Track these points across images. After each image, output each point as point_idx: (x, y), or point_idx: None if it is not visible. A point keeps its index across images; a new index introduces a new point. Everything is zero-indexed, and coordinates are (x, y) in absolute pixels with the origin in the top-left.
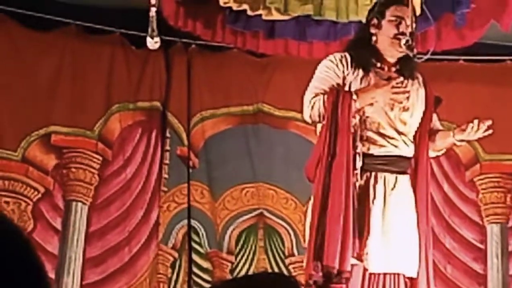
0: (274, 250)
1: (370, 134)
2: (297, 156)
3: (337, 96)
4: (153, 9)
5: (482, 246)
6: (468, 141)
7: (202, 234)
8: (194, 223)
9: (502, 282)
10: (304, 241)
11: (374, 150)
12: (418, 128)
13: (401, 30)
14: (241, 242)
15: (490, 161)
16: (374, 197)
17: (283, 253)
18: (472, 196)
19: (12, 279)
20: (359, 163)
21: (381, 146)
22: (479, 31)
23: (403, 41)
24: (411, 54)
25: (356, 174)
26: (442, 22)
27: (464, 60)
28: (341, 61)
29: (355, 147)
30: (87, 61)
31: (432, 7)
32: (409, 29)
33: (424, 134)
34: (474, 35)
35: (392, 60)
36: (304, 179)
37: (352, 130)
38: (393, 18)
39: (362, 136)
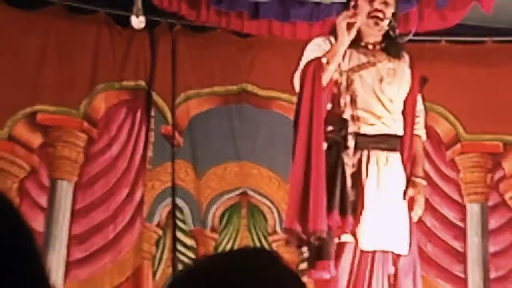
0: (257, 228)
1: (360, 113)
2: (281, 136)
3: (309, 63)
4: None
5: (462, 225)
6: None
7: (186, 212)
8: (178, 201)
9: (482, 260)
10: None
11: (365, 129)
12: (403, 106)
13: (374, 6)
14: (225, 220)
15: (471, 141)
16: (367, 175)
17: (266, 231)
18: (453, 176)
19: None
20: (351, 142)
21: (372, 124)
22: (461, 13)
23: (385, 23)
24: (393, 35)
25: (348, 153)
26: (424, 3)
27: (446, 41)
28: (325, 42)
29: (347, 127)
30: (72, 40)
31: None
32: (391, 10)
33: (409, 113)
34: (456, 16)
35: (375, 39)
36: (287, 158)
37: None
38: None
39: (353, 116)
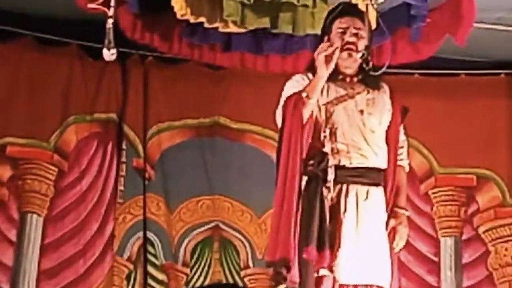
0: (230, 263)
1: (340, 146)
2: (253, 169)
3: (289, 98)
4: (110, 21)
5: (436, 259)
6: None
7: (158, 246)
8: (149, 235)
9: None
10: (260, 253)
11: (345, 162)
12: (386, 137)
13: (346, 39)
14: (197, 254)
15: (444, 174)
16: (345, 210)
17: (238, 265)
18: (427, 209)
19: None
20: (331, 176)
21: (352, 157)
22: (435, 46)
23: (358, 55)
24: (366, 68)
25: (328, 187)
26: (398, 36)
27: (420, 74)
28: (303, 78)
29: (327, 160)
30: (44, 72)
31: (387, 21)
32: (365, 42)
33: (392, 144)
34: (429, 49)
35: (351, 71)
36: (259, 191)
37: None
38: (339, 30)
39: (333, 149)
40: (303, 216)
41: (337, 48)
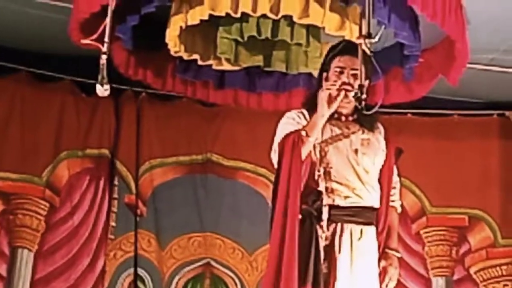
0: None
1: (335, 185)
2: (245, 206)
3: (287, 136)
4: (104, 57)
5: None
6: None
7: (148, 283)
8: (140, 271)
9: None
10: None
11: (340, 201)
12: (379, 177)
13: (343, 79)
14: None
15: (436, 214)
16: (340, 249)
17: None
18: (418, 249)
19: None
20: (325, 215)
21: (346, 197)
22: (427, 85)
23: (351, 94)
24: (359, 107)
25: (322, 226)
26: (391, 75)
27: (412, 113)
28: (298, 116)
29: (321, 199)
30: (37, 107)
31: (380, 60)
32: (357, 82)
33: (385, 184)
34: (422, 89)
35: (347, 110)
36: (251, 229)
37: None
38: (337, 69)
39: (327, 188)
40: (299, 256)
41: (343, 90)
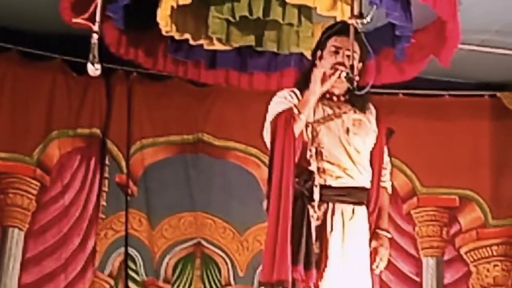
0: (211, 279)
1: (326, 165)
2: (236, 186)
3: (280, 114)
4: (95, 36)
5: (417, 279)
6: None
7: (139, 262)
8: (131, 251)
9: None
10: (241, 270)
11: (331, 182)
12: (370, 157)
13: (337, 59)
14: (178, 270)
15: (427, 195)
16: (332, 229)
17: (220, 282)
18: (409, 229)
19: None
20: (317, 195)
21: (338, 177)
22: (419, 66)
23: (343, 74)
24: (351, 87)
25: (314, 206)
26: (382, 56)
27: (404, 94)
28: (290, 95)
29: (313, 179)
30: (28, 86)
31: (372, 41)
32: (350, 62)
33: (376, 165)
34: (413, 69)
35: (337, 91)
36: (242, 208)
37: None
38: (332, 49)
39: (319, 168)
40: (291, 236)
41: (338, 69)
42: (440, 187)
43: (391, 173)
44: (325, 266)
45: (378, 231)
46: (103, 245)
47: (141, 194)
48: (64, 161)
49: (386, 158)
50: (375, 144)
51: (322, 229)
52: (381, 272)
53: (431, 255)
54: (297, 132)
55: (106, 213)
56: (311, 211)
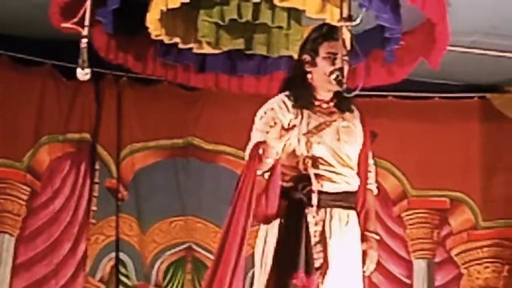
0: (202, 283)
1: (322, 172)
2: (227, 190)
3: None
4: (84, 40)
5: (408, 281)
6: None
7: (130, 267)
8: (122, 255)
9: None
10: None
11: (328, 187)
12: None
13: (336, 66)
14: (169, 275)
15: (417, 197)
16: (330, 234)
17: None
18: (400, 232)
19: None
20: (315, 200)
21: (334, 182)
22: (408, 68)
23: (333, 76)
24: (340, 89)
25: (312, 211)
26: (372, 58)
27: (393, 96)
28: (280, 106)
29: (311, 185)
30: (17, 91)
31: (361, 43)
32: (339, 64)
33: (362, 168)
34: (403, 71)
35: (327, 96)
36: None
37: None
38: (328, 55)
39: (315, 175)
40: (289, 242)
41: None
42: (430, 189)
43: (376, 175)
44: (326, 271)
45: (367, 233)
46: (94, 250)
47: (132, 199)
48: (54, 166)
49: (370, 160)
50: (361, 148)
51: (321, 234)
52: (370, 274)
53: (422, 257)
54: (263, 169)
55: (97, 218)
56: (309, 217)
